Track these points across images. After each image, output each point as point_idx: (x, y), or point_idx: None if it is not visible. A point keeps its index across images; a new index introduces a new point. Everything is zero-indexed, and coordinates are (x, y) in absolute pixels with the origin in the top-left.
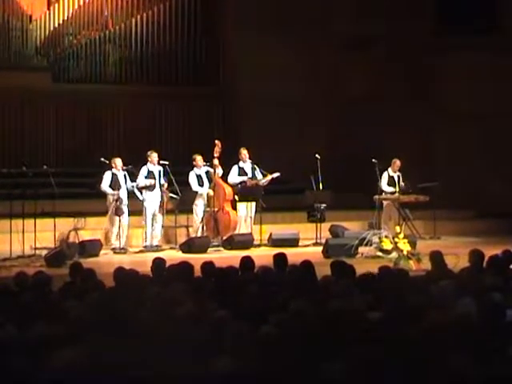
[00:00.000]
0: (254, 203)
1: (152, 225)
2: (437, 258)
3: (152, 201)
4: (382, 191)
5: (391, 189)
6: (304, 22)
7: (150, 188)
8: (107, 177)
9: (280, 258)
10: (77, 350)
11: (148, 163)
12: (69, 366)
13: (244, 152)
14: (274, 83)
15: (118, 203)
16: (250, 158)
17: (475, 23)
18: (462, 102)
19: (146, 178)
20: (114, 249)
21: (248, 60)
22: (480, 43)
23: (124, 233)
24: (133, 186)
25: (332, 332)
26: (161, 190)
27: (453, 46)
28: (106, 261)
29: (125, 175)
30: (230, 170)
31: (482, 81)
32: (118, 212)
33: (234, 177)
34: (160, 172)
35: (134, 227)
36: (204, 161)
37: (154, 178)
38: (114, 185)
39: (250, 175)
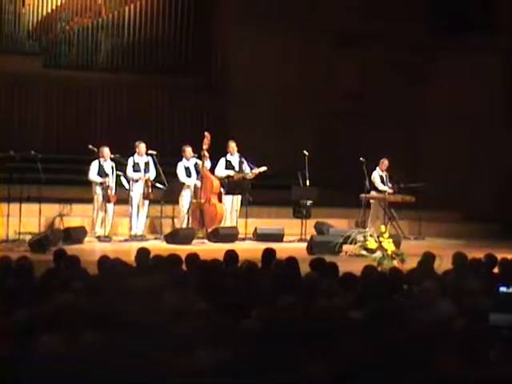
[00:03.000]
0: (239, 197)
1: (137, 214)
2: (427, 259)
3: (138, 191)
4: (370, 190)
5: (385, 187)
6: (297, 17)
7: (137, 179)
8: (94, 166)
9: (269, 254)
10: (59, 336)
11: (135, 154)
12: (51, 352)
13: (232, 145)
14: (266, 77)
15: (109, 190)
16: (238, 152)
17: (468, 24)
18: (448, 104)
19: (133, 168)
20: (98, 237)
21: (240, 52)
22: (471, 44)
23: (109, 221)
24: (119, 176)
25: (316, 330)
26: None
27: (443, 47)
28: (91, 248)
29: (112, 166)
30: (218, 162)
31: (472, 81)
32: (110, 199)
33: (221, 170)
34: (147, 163)
35: (119, 216)
36: (193, 152)
37: (140, 170)
38: (102, 174)
39: (237, 168)
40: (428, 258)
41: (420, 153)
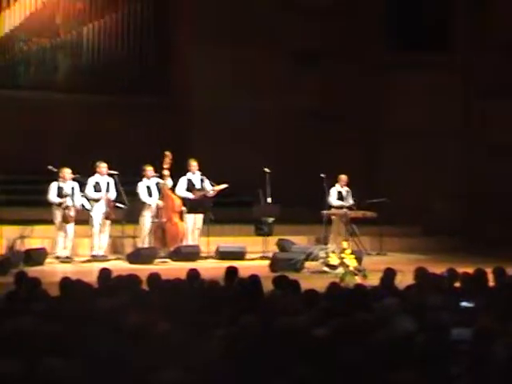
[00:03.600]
0: (201, 215)
1: (99, 235)
2: (388, 275)
3: (99, 211)
4: (331, 206)
5: (340, 203)
6: (256, 35)
7: (98, 199)
8: (53, 188)
9: (231, 272)
10: (17, 361)
11: (96, 174)
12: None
13: (193, 163)
14: (225, 95)
15: (67, 211)
16: (199, 170)
17: (424, 42)
18: (408, 120)
19: (94, 188)
20: (59, 257)
21: (199, 70)
22: (427, 62)
23: (70, 242)
24: (82, 196)
25: (277, 349)
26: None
27: (399, 65)
28: (52, 270)
29: (73, 187)
30: (179, 181)
31: (428, 98)
32: (68, 219)
33: (182, 189)
34: (108, 183)
35: (81, 236)
36: (154, 172)
37: (101, 190)
38: (60, 195)
39: (198, 187)
40: (389, 274)
41: (380, 168)
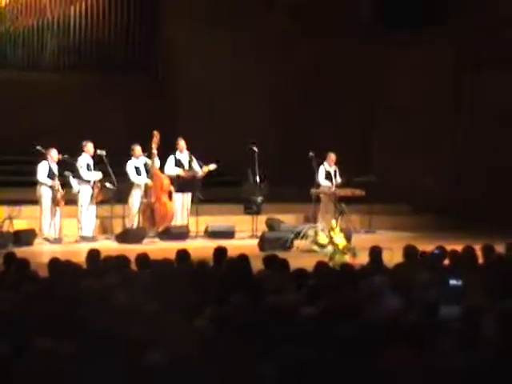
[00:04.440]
0: (190, 194)
1: (87, 215)
2: (375, 253)
3: (87, 191)
4: (319, 185)
5: (328, 183)
6: (242, 12)
7: (86, 180)
8: (43, 168)
9: (220, 252)
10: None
11: (83, 154)
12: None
13: (181, 143)
14: (211, 73)
15: (57, 193)
16: (187, 149)
17: (417, 17)
18: (398, 96)
19: (87, 168)
20: (48, 238)
21: (185, 49)
22: (421, 36)
23: (58, 222)
24: (69, 176)
25: (266, 328)
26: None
27: (392, 40)
28: (41, 251)
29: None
30: (167, 160)
31: (421, 73)
32: (57, 202)
33: (170, 168)
34: (94, 163)
35: (69, 217)
36: (142, 151)
37: (91, 170)
38: (51, 176)
39: (186, 166)
40: (376, 252)
41: (370, 146)
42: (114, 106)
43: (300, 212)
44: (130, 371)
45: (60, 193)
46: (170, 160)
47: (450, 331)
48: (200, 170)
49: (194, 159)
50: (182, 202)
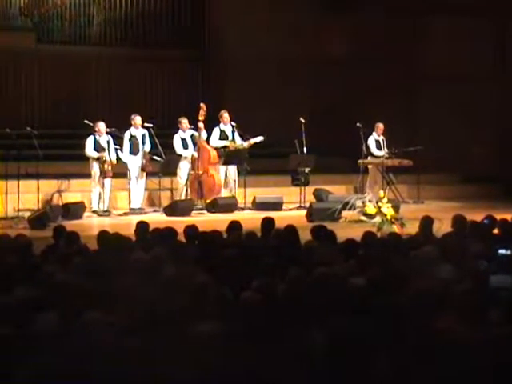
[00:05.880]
0: (234, 166)
1: (136, 188)
2: (426, 223)
3: (136, 164)
4: (367, 155)
5: (380, 152)
6: None
7: (134, 151)
8: (90, 141)
9: (267, 223)
10: (57, 314)
11: (131, 127)
12: (49, 331)
13: (225, 115)
14: (258, 46)
15: (106, 165)
16: (231, 121)
17: None
18: (445, 65)
19: (129, 141)
20: (97, 211)
21: (232, 22)
22: (462, 5)
23: (107, 195)
24: (117, 149)
25: (316, 299)
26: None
27: (436, 8)
28: (90, 224)
29: (108, 140)
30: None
31: (467, 42)
32: (106, 174)
33: (215, 139)
34: (144, 135)
35: (118, 190)
36: (189, 124)
37: (137, 142)
38: (98, 149)
39: (230, 138)
40: (427, 222)
41: (417, 115)
42: (160, 79)
43: (347, 183)
44: (177, 343)
45: (107, 163)
46: (215, 132)
47: (500, 300)
48: (245, 143)
49: (236, 131)
50: (229, 174)
